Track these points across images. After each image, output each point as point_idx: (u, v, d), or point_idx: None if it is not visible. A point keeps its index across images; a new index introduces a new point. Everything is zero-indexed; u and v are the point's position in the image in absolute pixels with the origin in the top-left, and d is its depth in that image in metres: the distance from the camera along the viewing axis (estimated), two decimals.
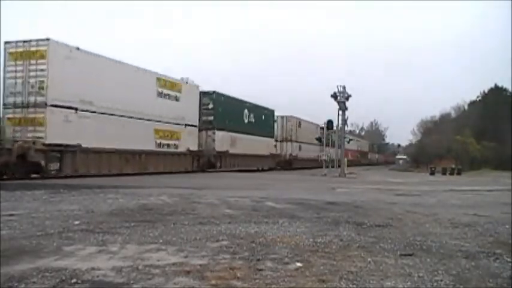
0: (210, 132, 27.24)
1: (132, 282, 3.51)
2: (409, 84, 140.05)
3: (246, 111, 32.20)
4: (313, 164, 44.84)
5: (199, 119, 26.52)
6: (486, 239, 5.75)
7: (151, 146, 21.98)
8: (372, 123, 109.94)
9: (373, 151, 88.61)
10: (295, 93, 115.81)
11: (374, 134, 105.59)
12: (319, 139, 39.77)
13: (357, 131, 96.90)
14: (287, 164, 39.66)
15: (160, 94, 22.65)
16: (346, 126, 31.97)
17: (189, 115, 25.08)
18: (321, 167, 42.05)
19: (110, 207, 8.12)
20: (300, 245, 5.07)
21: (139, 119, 21.01)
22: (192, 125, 25.55)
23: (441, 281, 3.74)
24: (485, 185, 19.54)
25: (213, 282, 3.54)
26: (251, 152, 31.94)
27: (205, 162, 27.01)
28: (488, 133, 49.38)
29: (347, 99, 28.93)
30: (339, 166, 30.01)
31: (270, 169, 35.62)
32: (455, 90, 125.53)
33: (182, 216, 7.07)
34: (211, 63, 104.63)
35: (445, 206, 10.04)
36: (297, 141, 41.19)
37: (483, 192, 15.22)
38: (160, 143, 22.79)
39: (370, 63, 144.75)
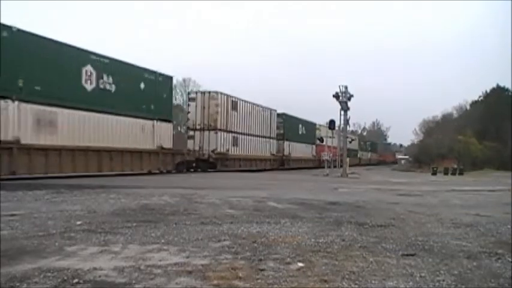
0: None
1: (134, 282, 3.52)
2: (411, 85, 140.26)
3: (89, 68, 18.21)
4: (261, 165, 32.89)
5: None
6: (488, 239, 5.74)
7: None
8: (374, 123, 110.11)
9: (365, 149, 78.54)
10: (296, 93, 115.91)
11: (376, 134, 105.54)
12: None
13: (359, 131, 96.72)
14: (207, 165, 26.85)
15: None
16: (348, 126, 31.99)
17: None
18: (280, 169, 34.02)
19: (112, 207, 8.13)
20: (302, 245, 5.07)
21: None
22: None
23: (443, 281, 3.73)
24: (487, 185, 19.47)
25: (215, 282, 3.54)
26: (106, 144, 18.96)
27: None
28: (490, 133, 49.38)
29: (349, 99, 29.00)
30: (341, 166, 30.03)
31: (164, 172, 22.52)
32: (457, 90, 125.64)
33: (184, 216, 7.08)
34: (212, 63, 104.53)
35: (447, 206, 10.02)
36: (229, 131, 28.77)
37: (485, 193, 15.17)
38: None
39: (372, 63, 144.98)
